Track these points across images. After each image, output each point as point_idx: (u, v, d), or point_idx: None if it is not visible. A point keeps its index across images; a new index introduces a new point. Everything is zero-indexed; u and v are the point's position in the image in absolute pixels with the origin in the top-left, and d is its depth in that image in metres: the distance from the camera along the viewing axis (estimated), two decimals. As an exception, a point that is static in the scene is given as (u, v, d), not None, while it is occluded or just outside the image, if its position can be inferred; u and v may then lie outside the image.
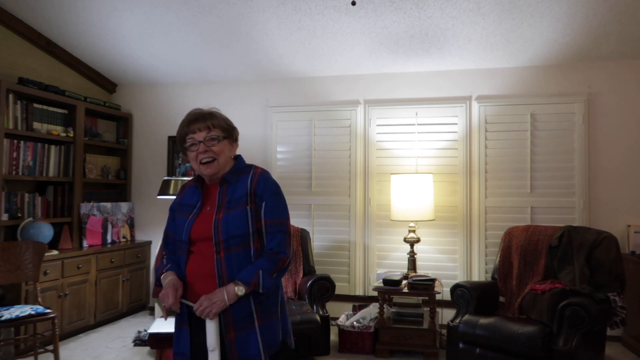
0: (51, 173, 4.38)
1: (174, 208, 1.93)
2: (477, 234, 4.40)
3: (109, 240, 4.87)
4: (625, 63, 4.22)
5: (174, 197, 4.00)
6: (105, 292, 4.55)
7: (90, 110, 4.84)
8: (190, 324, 1.80)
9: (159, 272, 1.85)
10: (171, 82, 5.26)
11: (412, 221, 4.15)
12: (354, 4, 3.45)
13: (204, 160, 1.78)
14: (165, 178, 4.09)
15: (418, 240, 4.17)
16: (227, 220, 1.72)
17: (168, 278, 1.78)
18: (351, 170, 4.69)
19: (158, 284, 1.85)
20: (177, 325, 1.81)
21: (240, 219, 1.73)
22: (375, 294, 4.00)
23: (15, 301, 3.65)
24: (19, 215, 4.08)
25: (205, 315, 1.69)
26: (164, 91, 5.31)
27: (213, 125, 1.80)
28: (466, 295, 3.57)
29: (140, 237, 5.27)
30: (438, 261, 4.45)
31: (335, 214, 4.72)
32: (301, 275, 4.10)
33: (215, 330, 1.71)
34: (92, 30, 4.30)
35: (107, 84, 5.32)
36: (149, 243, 5.19)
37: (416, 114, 4.56)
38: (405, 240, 4.20)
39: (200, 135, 1.78)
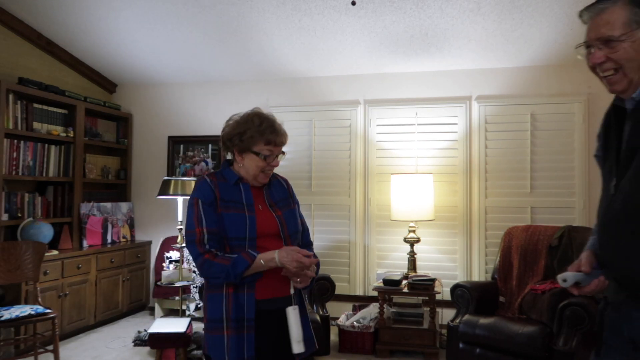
0: (51, 173, 4.38)
1: (212, 202, 1.77)
2: (477, 234, 4.40)
3: (109, 240, 4.87)
4: (625, 63, 4.22)
5: (174, 197, 4.00)
6: (105, 292, 4.55)
7: (90, 110, 4.84)
8: (256, 328, 1.75)
9: (235, 265, 1.70)
10: (171, 82, 5.26)
11: (412, 221, 4.14)
12: (354, 4, 3.45)
13: (269, 172, 1.87)
14: (165, 178, 4.08)
15: (418, 240, 4.17)
16: (287, 217, 1.88)
17: (273, 252, 1.73)
18: (351, 170, 4.69)
19: (234, 276, 1.70)
20: (237, 330, 1.73)
21: (295, 217, 1.93)
22: (375, 294, 4.00)
23: (15, 301, 3.65)
24: (19, 215, 4.08)
25: (310, 264, 1.74)
26: (164, 91, 5.31)
27: (284, 143, 1.89)
28: (466, 295, 3.57)
29: (140, 237, 5.27)
30: (438, 261, 4.45)
31: (335, 214, 4.72)
32: (301, 275, 4.10)
33: (298, 320, 1.75)
34: (92, 30, 4.30)
35: (107, 84, 5.32)
36: (149, 243, 5.19)
37: (416, 114, 4.56)
38: (405, 240, 4.20)
39: (278, 150, 1.86)
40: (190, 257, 4.60)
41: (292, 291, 1.79)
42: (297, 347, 1.72)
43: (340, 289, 4.52)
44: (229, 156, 1.91)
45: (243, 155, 1.83)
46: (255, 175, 1.84)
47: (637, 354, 1.33)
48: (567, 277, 1.36)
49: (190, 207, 1.80)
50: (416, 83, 4.61)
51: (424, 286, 3.75)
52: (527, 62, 4.33)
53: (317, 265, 1.90)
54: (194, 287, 4.53)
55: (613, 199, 1.35)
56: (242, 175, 1.86)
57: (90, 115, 4.90)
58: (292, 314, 1.74)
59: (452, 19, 3.74)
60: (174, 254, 4.57)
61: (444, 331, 3.92)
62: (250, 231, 1.76)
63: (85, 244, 4.57)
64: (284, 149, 1.89)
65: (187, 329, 3.36)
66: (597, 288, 1.36)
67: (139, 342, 4.05)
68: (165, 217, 5.14)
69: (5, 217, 3.95)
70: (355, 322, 3.93)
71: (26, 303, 3.66)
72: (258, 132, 1.80)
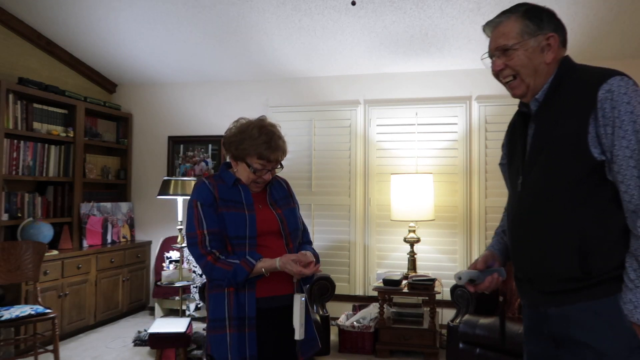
0: (51, 173, 4.38)
1: (212, 204, 1.79)
2: (477, 234, 4.40)
3: (109, 240, 4.87)
4: (625, 63, 4.22)
5: (174, 197, 4.00)
6: (105, 292, 4.55)
7: (90, 110, 4.84)
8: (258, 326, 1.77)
9: (235, 275, 1.72)
10: (171, 82, 5.26)
11: (412, 221, 4.14)
12: (354, 4, 3.45)
13: (261, 183, 1.89)
14: (165, 178, 4.08)
15: (418, 240, 4.17)
16: (287, 215, 1.90)
17: (274, 260, 1.75)
18: (351, 170, 4.69)
19: (240, 280, 1.74)
20: (239, 329, 1.74)
21: (295, 215, 1.95)
22: (375, 294, 4.00)
23: (15, 301, 3.65)
24: (19, 215, 4.08)
25: (312, 267, 1.75)
26: (164, 91, 5.31)
27: (281, 158, 1.89)
28: (466, 295, 3.56)
29: (140, 237, 5.27)
30: (438, 261, 4.45)
31: (335, 214, 4.72)
32: (301, 275, 4.10)
33: (303, 308, 1.78)
34: (92, 30, 4.30)
35: (107, 84, 5.32)
36: (149, 243, 5.19)
37: (416, 114, 4.56)
38: (405, 240, 4.20)
39: (270, 165, 1.86)
40: (190, 258, 4.61)
41: (294, 287, 1.81)
42: (298, 333, 1.76)
43: (340, 289, 4.52)
44: (228, 158, 1.93)
45: (237, 162, 1.86)
46: (246, 182, 1.87)
47: (559, 352, 1.38)
48: (461, 274, 1.44)
49: (190, 210, 1.81)
50: (416, 83, 4.61)
51: (424, 286, 3.75)
52: (527, 62, 4.32)
53: (317, 258, 1.90)
54: (194, 287, 4.53)
55: (521, 195, 1.43)
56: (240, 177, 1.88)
57: (90, 115, 4.90)
58: (297, 300, 1.77)
59: (452, 19, 3.74)
60: (174, 254, 4.57)
61: (444, 331, 3.92)
62: (250, 230, 1.78)
63: (85, 244, 4.57)
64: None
65: (187, 329, 3.36)
66: (491, 285, 1.47)
67: (139, 342, 4.05)
68: (165, 217, 5.14)
69: (5, 217, 3.95)
70: (355, 322, 3.93)
71: (26, 303, 3.66)
72: (253, 145, 1.80)
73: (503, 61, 1.45)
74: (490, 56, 1.50)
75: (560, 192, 1.33)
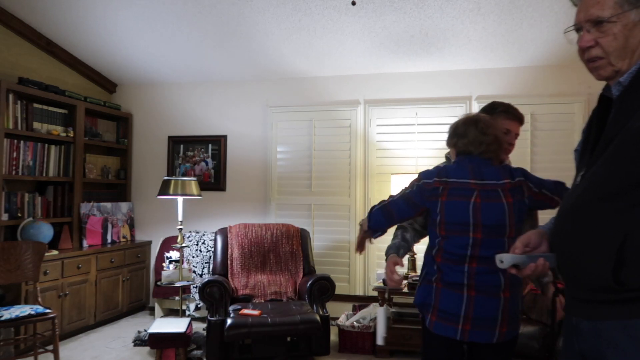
0: (51, 173, 4.38)
1: None
2: (477, 234, 4.39)
3: (109, 240, 4.87)
4: (625, 63, 4.22)
5: (174, 197, 4.00)
6: (105, 292, 4.55)
7: (90, 110, 4.84)
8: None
9: None
10: (171, 82, 5.26)
11: (412, 221, 4.14)
12: (354, 4, 3.45)
13: None
14: (165, 178, 4.08)
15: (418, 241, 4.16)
16: None
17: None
18: (351, 170, 4.68)
19: None
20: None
21: None
22: (375, 294, 4.00)
23: (15, 301, 3.65)
24: (19, 215, 4.08)
25: None
26: (164, 91, 5.31)
27: None
28: (466, 295, 3.56)
29: (140, 237, 5.27)
30: (438, 261, 4.44)
31: (335, 214, 4.71)
32: (301, 275, 4.10)
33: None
34: (92, 30, 4.30)
35: (107, 84, 5.32)
36: (149, 243, 5.19)
37: (416, 114, 4.56)
38: (405, 240, 4.19)
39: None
40: (189, 257, 4.60)
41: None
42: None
43: (340, 289, 4.52)
44: None
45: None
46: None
47: None
48: (503, 258, 1.29)
49: None
50: (416, 83, 4.61)
51: (424, 286, 3.75)
52: (527, 62, 4.32)
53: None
54: (194, 287, 4.53)
55: (574, 188, 1.25)
56: None
57: (90, 115, 4.90)
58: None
59: (452, 19, 3.74)
60: (174, 254, 4.57)
61: (444, 331, 3.91)
62: None
63: (85, 244, 4.57)
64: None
65: (187, 329, 3.37)
66: (532, 272, 1.29)
67: (139, 342, 4.05)
68: (165, 217, 5.14)
69: (5, 217, 3.95)
70: (355, 322, 3.93)
71: (26, 303, 3.66)
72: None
73: (594, 37, 1.18)
74: (578, 29, 1.22)
75: (615, 191, 1.12)
